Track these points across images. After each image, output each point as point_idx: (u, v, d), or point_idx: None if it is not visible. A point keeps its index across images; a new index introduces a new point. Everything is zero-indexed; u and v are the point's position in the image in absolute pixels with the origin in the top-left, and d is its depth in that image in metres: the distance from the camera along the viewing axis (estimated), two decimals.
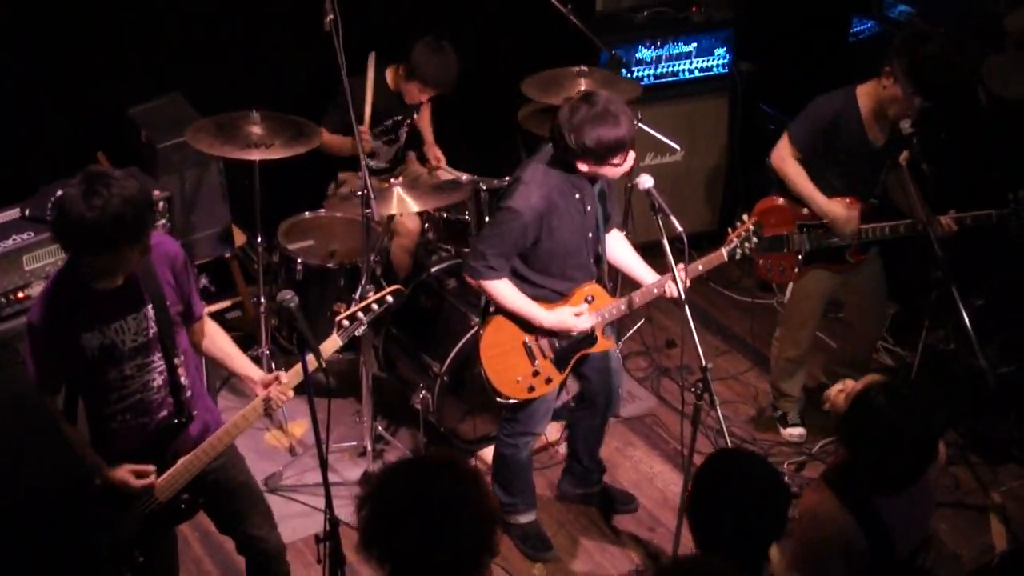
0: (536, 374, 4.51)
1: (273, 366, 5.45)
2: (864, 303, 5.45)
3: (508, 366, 4.47)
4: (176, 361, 3.71)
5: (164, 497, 3.76)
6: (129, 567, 3.77)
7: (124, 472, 3.65)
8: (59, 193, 3.34)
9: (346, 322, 3.84)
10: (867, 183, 5.11)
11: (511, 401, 4.59)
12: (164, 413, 3.74)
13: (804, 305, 5.38)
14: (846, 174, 5.05)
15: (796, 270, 5.20)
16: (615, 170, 4.25)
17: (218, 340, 3.95)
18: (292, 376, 3.79)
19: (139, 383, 3.66)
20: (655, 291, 4.51)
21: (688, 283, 4.34)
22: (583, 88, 5.38)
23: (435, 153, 6.10)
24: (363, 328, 3.88)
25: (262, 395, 3.79)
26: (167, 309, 3.65)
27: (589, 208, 4.39)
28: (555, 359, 4.53)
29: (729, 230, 4.62)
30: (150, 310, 3.61)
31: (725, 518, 2.98)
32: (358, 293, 4.96)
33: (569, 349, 4.54)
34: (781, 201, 5.14)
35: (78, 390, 3.68)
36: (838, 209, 5.03)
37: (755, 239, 4.57)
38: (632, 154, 4.25)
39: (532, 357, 4.49)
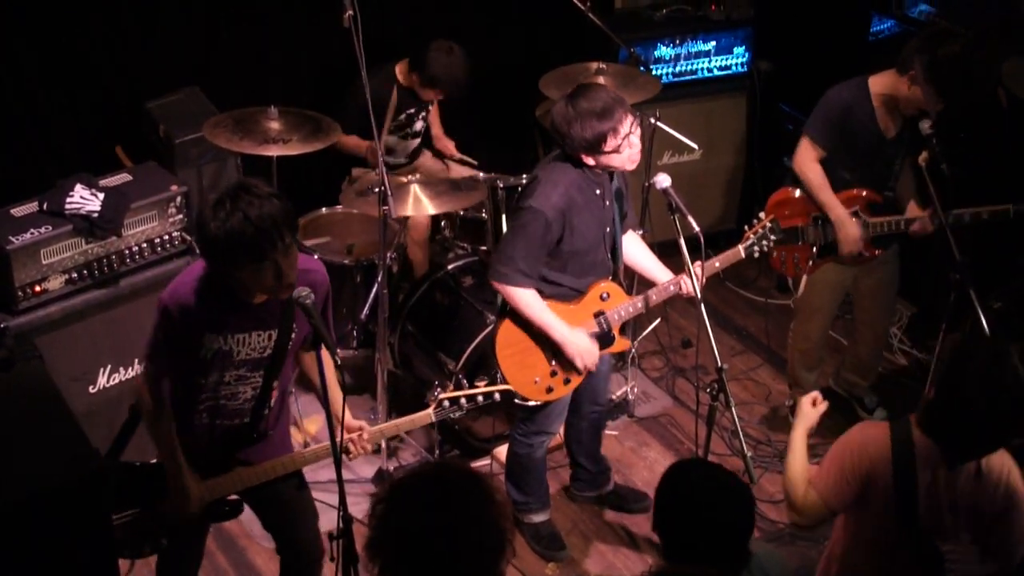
0: (554, 374, 4.48)
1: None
2: (872, 304, 5.43)
3: (526, 366, 4.45)
4: (274, 384, 3.74)
5: (208, 498, 3.77)
6: (152, 546, 3.80)
7: (193, 488, 3.70)
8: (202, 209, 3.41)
9: (447, 403, 3.83)
10: (880, 176, 5.09)
11: (529, 403, 4.58)
12: (238, 422, 3.75)
13: (815, 298, 5.36)
14: (859, 166, 5.04)
15: (811, 263, 5.17)
16: (617, 158, 4.23)
17: (322, 371, 3.76)
18: (374, 433, 3.84)
19: (230, 391, 3.69)
20: (671, 288, 4.49)
21: (704, 280, 4.33)
22: (601, 82, 5.37)
23: (445, 145, 6.10)
24: (458, 414, 3.88)
25: (341, 438, 3.76)
26: (290, 337, 3.67)
27: (608, 203, 4.37)
28: None
29: (746, 227, 4.62)
30: (275, 333, 3.64)
31: (691, 525, 3.03)
32: (372, 293, 4.94)
33: None
34: (796, 193, 5.12)
35: (176, 378, 3.70)
36: (851, 228, 5.02)
37: (772, 236, 4.57)
38: (635, 140, 4.22)
39: (549, 357, 4.45)
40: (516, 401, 4.57)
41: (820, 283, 5.29)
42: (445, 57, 5.50)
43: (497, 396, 3.91)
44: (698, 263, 4.29)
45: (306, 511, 4.09)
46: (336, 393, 3.76)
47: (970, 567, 3.54)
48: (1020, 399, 3.30)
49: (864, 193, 5.08)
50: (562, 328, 4.36)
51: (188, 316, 3.52)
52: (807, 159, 5.02)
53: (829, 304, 5.40)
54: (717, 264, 4.54)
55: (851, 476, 3.46)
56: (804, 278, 5.27)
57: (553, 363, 4.47)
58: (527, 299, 4.31)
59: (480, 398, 3.88)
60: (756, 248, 4.57)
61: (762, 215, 4.62)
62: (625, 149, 4.21)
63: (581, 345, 4.39)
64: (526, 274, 4.28)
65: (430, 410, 3.85)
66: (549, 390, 4.51)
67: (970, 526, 3.49)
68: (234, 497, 3.85)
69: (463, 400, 3.86)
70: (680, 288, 4.45)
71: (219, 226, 3.32)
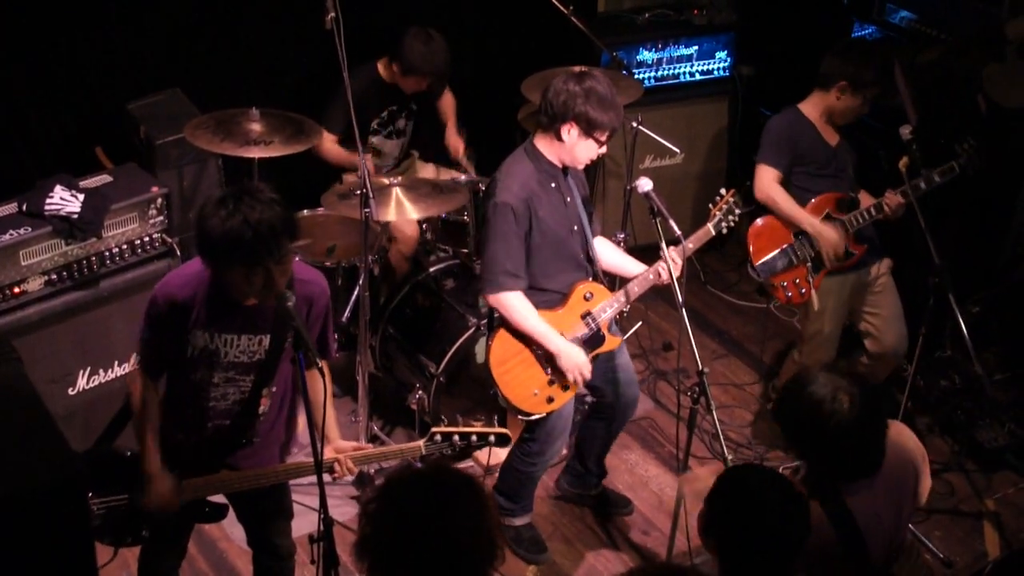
0: (552, 383, 4.48)
1: None
2: (884, 323, 5.35)
3: (522, 380, 4.44)
4: (264, 391, 3.72)
5: (189, 497, 3.76)
6: (133, 536, 3.80)
7: (172, 483, 3.69)
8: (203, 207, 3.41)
9: (439, 437, 3.79)
10: (840, 182, 5.19)
11: (533, 417, 4.57)
12: (228, 424, 3.74)
13: (824, 325, 5.29)
14: (817, 177, 5.15)
15: (810, 279, 5.19)
16: (592, 149, 4.26)
17: (318, 395, 3.72)
18: (359, 457, 3.82)
19: (219, 392, 3.68)
20: (650, 278, 4.50)
21: (680, 263, 4.38)
22: None
23: (454, 143, 6.00)
24: (450, 452, 3.84)
25: (328, 456, 3.75)
26: (282, 347, 3.65)
27: (569, 200, 4.39)
28: None
29: (710, 205, 4.62)
30: (267, 339, 3.63)
31: (749, 536, 2.97)
32: (354, 295, 4.93)
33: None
34: (769, 219, 5.15)
35: (167, 374, 3.71)
36: (828, 232, 5.07)
37: (737, 210, 4.61)
38: (602, 149, 4.28)
39: (544, 365, 4.45)
40: (520, 417, 4.55)
41: (825, 302, 5.25)
42: (422, 45, 5.49)
43: (492, 439, 3.85)
44: (672, 248, 4.33)
45: (283, 511, 4.09)
46: (318, 401, 3.73)
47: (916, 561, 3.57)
48: (874, 407, 3.30)
49: (830, 196, 5.15)
50: (557, 340, 4.37)
51: (175, 310, 3.53)
52: (768, 183, 5.11)
53: (838, 321, 5.36)
54: (691, 245, 4.53)
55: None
56: (814, 296, 5.20)
57: (549, 371, 4.46)
58: (519, 305, 4.32)
59: (474, 438, 3.83)
60: (724, 223, 4.60)
61: (723, 191, 4.64)
62: (595, 147, 4.26)
63: (576, 359, 4.40)
64: (513, 274, 4.29)
65: (421, 443, 3.81)
66: (550, 400, 4.51)
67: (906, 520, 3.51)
68: (221, 500, 3.84)
69: (456, 437, 3.81)
70: (659, 276, 4.47)
71: (219, 224, 3.34)
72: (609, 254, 4.68)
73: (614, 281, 5.10)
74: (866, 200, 5.22)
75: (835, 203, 5.16)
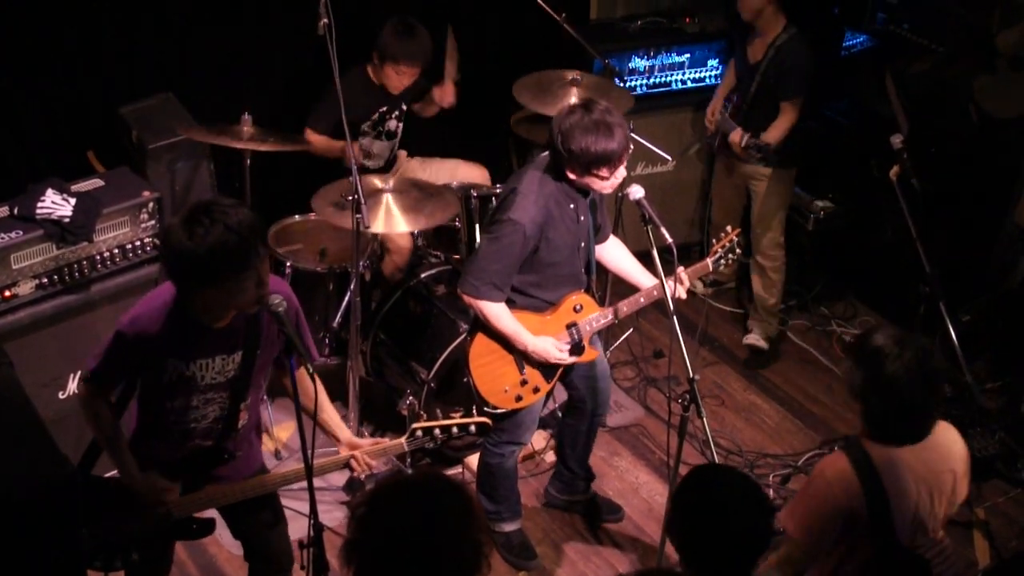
0: (524, 383, 4.51)
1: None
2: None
3: (496, 376, 4.47)
4: (242, 405, 3.71)
5: (179, 514, 3.73)
6: (123, 561, 3.75)
7: (153, 480, 3.66)
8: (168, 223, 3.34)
9: (420, 432, 3.81)
10: None
11: (498, 411, 4.59)
12: (210, 443, 3.72)
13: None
14: None
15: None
16: (601, 183, 4.23)
17: (319, 397, 3.74)
18: (376, 451, 3.83)
19: (199, 413, 3.65)
20: (642, 300, 4.53)
21: (678, 292, 4.38)
22: (574, 97, 5.39)
23: (443, 91, 5.89)
24: (431, 445, 3.86)
25: (344, 455, 3.76)
26: (256, 357, 3.63)
27: (582, 219, 4.38)
28: (543, 368, 4.53)
29: (714, 241, 4.69)
30: (239, 355, 3.60)
31: (709, 533, 2.98)
32: (345, 300, 4.92)
33: None
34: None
35: (141, 395, 3.68)
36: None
37: (739, 249, 4.66)
38: (622, 170, 4.23)
39: (520, 366, 4.49)
40: (486, 409, 4.58)
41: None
42: (402, 34, 5.48)
43: (472, 428, 3.89)
44: (671, 279, 4.31)
45: (277, 521, 4.06)
46: (329, 412, 3.80)
47: (954, 566, 3.62)
48: (936, 372, 3.45)
49: None
50: (526, 337, 4.39)
51: (148, 343, 3.48)
52: None
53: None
54: (685, 277, 4.56)
55: (829, 522, 3.46)
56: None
57: (523, 372, 4.49)
58: (496, 312, 4.33)
59: (455, 429, 3.86)
60: (723, 261, 4.66)
61: (729, 228, 4.68)
62: (613, 178, 4.23)
63: (544, 345, 4.42)
64: (498, 287, 4.29)
65: (403, 440, 3.83)
66: (518, 399, 4.54)
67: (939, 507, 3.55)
68: (209, 515, 3.82)
69: (437, 431, 3.83)
70: (650, 300, 4.52)
71: (200, 242, 3.25)
72: (621, 258, 4.70)
73: (606, 290, 5.13)
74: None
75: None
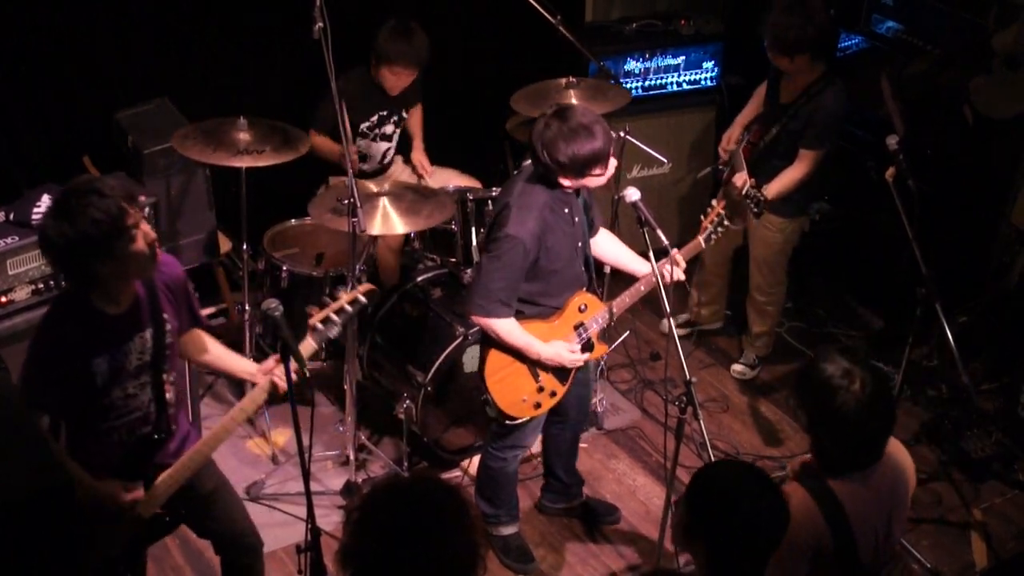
0: (541, 390, 4.50)
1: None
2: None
3: (513, 388, 4.46)
4: (165, 378, 3.73)
5: (147, 512, 3.73)
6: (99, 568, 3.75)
7: (114, 486, 3.66)
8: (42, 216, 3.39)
9: (320, 325, 3.74)
10: None
11: (518, 421, 4.58)
12: (148, 430, 3.75)
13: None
14: None
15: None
16: (596, 180, 4.26)
17: (211, 346, 3.98)
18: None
19: (137, 402, 3.68)
20: (642, 288, 4.54)
21: (675, 275, 4.42)
22: (574, 98, 5.39)
23: (421, 160, 6.06)
24: (337, 330, 3.77)
25: (266, 380, 3.77)
26: (164, 331, 3.68)
27: (577, 219, 4.39)
28: (556, 372, 4.51)
29: (701, 217, 4.67)
30: (149, 332, 3.64)
31: (731, 529, 2.93)
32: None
33: None
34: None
35: (69, 415, 3.68)
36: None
37: (727, 222, 4.65)
38: (613, 161, 4.25)
39: (535, 374, 4.47)
40: (507, 423, 4.56)
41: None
42: (399, 35, 5.49)
43: (363, 299, 3.78)
44: (664, 262, 4.36)
45: (233, 502, 4.11)
46: (221, 349, 3.97)
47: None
48: (889, 399, 3.38)
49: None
50: (538, 346, 4.39)
51: (67, 350, 3.50)
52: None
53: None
54: (680, 258, 4.56)
55: (799, 561, 3.31)
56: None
57: (539, 380, 4.49)
58: (506, 328, 4.32)
59: (348, 307, 3.75)
60: (714, 236, 4.66)
61: (714, 203, 4.67)
62: (608, 170, 4.24)
63: (556, 350, 4.42)
64: (505, 304, 4.29)
65: (308, 338, 3.73)
66: (537, 405, 4.53)
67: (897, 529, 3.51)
68: (169, 511, 3.83)
69: (333, 315, 3.74)
70: (649, 287, 4.52)
71: (83, 220, 3.32)
72: (612, 248, 4.71)
73: (605, 282, 5.13)
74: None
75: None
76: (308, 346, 3.75)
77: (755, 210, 5.06)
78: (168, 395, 3.75)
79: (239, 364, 4.03)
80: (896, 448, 3.50)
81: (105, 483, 3.66)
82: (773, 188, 5.32)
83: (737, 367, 6.15)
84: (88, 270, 3.43)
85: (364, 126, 5.76)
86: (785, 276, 5.94)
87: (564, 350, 4.44)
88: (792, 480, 3.44)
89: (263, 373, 3.83)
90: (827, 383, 3.25)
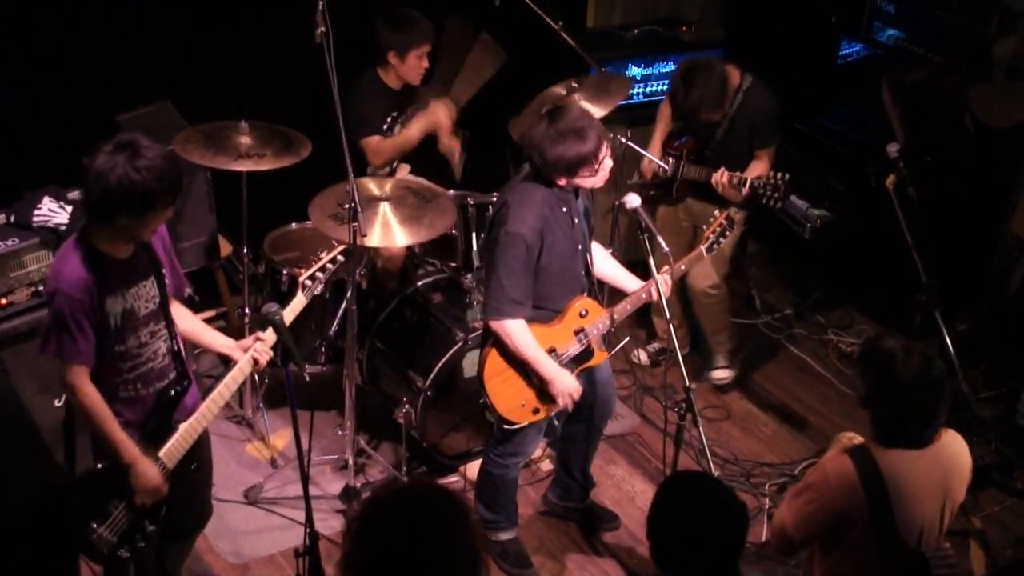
0: (540, 395, 4.49)
1: (256, 378, 5.43)
2: None
3: (512, 392, 4.46)
4: (174, 329, 3.83)
5: (172, 464, 3.81)
6: (143, 536, 3.83)
7: (154, 467, 3.73)
8: (97, 159, 3.51)
9: (308, 282, 4.07)
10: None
11: (516, 426, 4.58)
12: (166, 381, 3.81)
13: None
14: None
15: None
16: (589, 181, 4.27)
17: (189, 317, 4.06)
18: (270, 335, 3.91)
19: (151, 351, 3.75)
20: (643, 296, 4.53)
21: (671, 284, 4.44)
22: (581, 101, 5.39)
23: (452, 144, 5.95)
24: (321, 287, 4.15)
25: (248, 356, 3.87)
26: (164, 284, 3.79)
27: (576, 221, 4.39)
28: None
29: (704, 227, 4.67)
30: (152, 280, 3.74)
31: (684, 539, 3.00)
32: (341, 308, 4.94)
33: (568, 366, 4.53)
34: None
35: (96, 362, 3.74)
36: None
37: (729, 232, 4.66)
38: (608, 161, 4.25)
39: (536, 379, 4.46)
40: (505, 428, 4.56)
41: None
42: (405, 20, 5.51)
43: (340, 257, 4.20)
44: (665, 268, 4.36)
45: (207, 478, 4.22)
46: (200, 324, 4.05)
47: (954, 569, 3.63)
48: (943, 377, 3.51)
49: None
50: (550, 367, 4.39)
51: (86, 290, 3.57)
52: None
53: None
54: (683, 267, 4.59)
55: (820, 518, 3.50)
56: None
57: (539, 384, 4.48)
58: (520, 333, 4.32)
59: (329, 265, 4.19)
60: (715, 246, 4.66)
61: (717, 212, 4.67)
62: (599, 172, 4.24)
63: (567, 384, 4.42)
64: (518, 302, 4.29)
65: (299, 294, 4.08)
66: (536, 411, 4.52)
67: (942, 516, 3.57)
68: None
69: (318, 273, 4.13)
70: (650, 296, 4.50)
71: (147, 173, 3.48)
72: (605, 264, 4.70)
73: (604, 289, 5.11)
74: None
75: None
76: (300, 302, 4.05)
77: (777, 195, 5.10)
78: (180, 345, 3.85)
79: (217, 339, 4.06)
80: (955, 439, 3.62)
81: (147, 464, 3.72)
82: (754, 175, 5.35)
83: (716, 374, 6.08)
84: (109, 211, 3.53)
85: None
86: (729, 271, 5.89)
87: (573, 385, 4.43)
88: (841, 453, 3.57)
89: (243, 349, 3.90)
90: (890, 355, 3.44)
